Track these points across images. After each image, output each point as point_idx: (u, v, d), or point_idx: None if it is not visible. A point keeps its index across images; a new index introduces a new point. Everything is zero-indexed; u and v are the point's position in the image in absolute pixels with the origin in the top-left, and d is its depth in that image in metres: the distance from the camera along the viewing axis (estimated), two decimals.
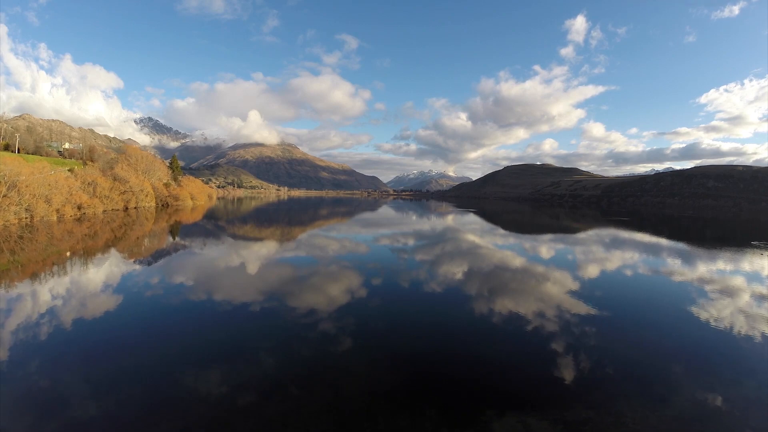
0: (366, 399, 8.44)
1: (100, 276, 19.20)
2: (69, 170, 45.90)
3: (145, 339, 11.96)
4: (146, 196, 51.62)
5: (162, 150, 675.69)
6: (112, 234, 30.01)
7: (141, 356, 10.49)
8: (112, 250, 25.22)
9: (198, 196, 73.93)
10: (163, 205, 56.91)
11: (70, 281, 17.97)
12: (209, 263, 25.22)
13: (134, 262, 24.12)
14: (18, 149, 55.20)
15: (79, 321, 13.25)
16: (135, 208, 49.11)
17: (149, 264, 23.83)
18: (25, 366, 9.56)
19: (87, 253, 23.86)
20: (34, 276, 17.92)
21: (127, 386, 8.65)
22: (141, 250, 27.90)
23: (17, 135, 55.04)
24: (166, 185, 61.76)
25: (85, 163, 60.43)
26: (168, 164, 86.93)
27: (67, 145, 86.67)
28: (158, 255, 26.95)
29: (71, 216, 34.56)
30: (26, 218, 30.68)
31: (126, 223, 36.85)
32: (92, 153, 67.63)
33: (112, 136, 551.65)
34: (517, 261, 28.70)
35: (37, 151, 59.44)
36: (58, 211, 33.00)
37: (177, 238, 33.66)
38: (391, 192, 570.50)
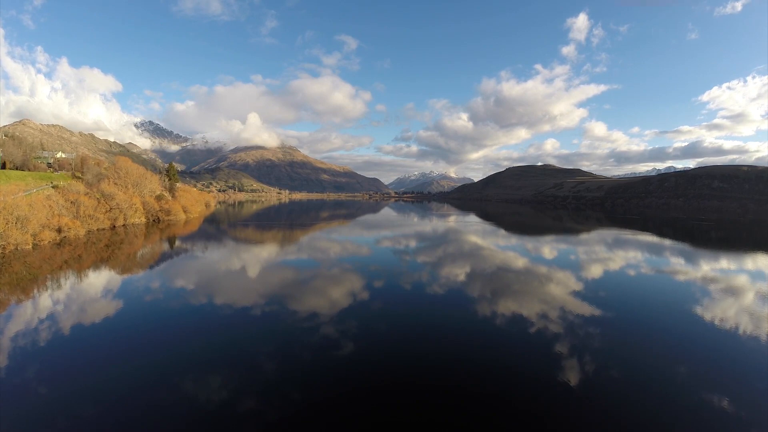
0: (367, 401, 8.40)
1: (95, 288, 19.04)
2: (53, 186, 44.09)
3: (145, 345, 11.98)
4: (135, 212, 49.71)
5: (163, 154, 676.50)
6: (95, 256, 28.05)
7: (141, 362, 10.60)
8: (100, 270, 23.58)
9: (192, 207, 71.89)
10: (154, 221, 55.00)
11: (63, 297, 17.81)
12: (210, 269, 24.94)
13: (129, 273, 23.57)
14: (3, 164, 53.40)
15: (78, 330, 13.22)
16: (123, 225, 47.20)
17: (145, 273, 23.37)
18: (25, 373, 9.74)
19: (77, 272, 23.26)
20: (24, 299, 17.97)
21: (128, 391, 8.73)
22: (135, 264, 26.54)
23: (0, 149, 53.08)
24: (159, 198, 59.82)
25: (74, 176, 58.68)
26: (165, 171, 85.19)
27: (59, 155, 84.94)
28: (154, 265, 26.51)
29: (49, 241, 32.60)
30: (1, 247, 28.74)
31: (112, 242, 35.01)
32: (83, 164, 65.85)
33: (112, 140, 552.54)
34: (520, 263, 27.49)
35: (24, 165, 57.60)
36: (34, 237, 31.03)
37: (173, 247, 32.46)
38: (393, 194, 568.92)
